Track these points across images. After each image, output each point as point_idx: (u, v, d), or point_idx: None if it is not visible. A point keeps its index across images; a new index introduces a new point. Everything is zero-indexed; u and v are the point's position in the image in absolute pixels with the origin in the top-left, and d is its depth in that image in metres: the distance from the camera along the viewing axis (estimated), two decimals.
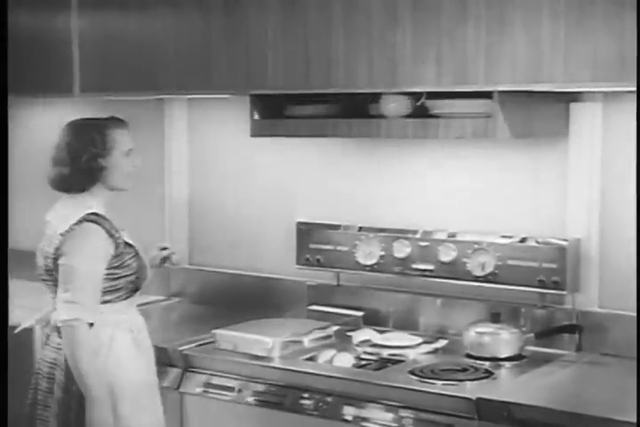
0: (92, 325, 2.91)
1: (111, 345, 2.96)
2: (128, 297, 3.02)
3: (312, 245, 3.73)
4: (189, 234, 4.19)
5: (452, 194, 3.53)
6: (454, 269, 3.43)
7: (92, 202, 3.00)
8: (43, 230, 3.07)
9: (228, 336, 3.34)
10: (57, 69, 3.87)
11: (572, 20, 2.74)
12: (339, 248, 3.67)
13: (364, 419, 2.96)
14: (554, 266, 3.25)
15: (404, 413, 2.90)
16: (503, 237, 3.36)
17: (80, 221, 2.93)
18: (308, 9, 3.19)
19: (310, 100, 3.38)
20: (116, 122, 3.06)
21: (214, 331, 3.37)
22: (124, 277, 2.97)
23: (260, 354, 3.24)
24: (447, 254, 3.44)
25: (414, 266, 3.51)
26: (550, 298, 3.32)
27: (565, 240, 3.25)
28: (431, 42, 2.97)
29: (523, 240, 3.32)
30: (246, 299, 3.94)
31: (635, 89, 2.72)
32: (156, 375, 3.10)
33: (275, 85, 3.29)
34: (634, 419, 2.57)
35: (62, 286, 2.89)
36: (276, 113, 3.43)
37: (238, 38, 3.35)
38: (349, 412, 2.99)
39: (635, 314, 3.12)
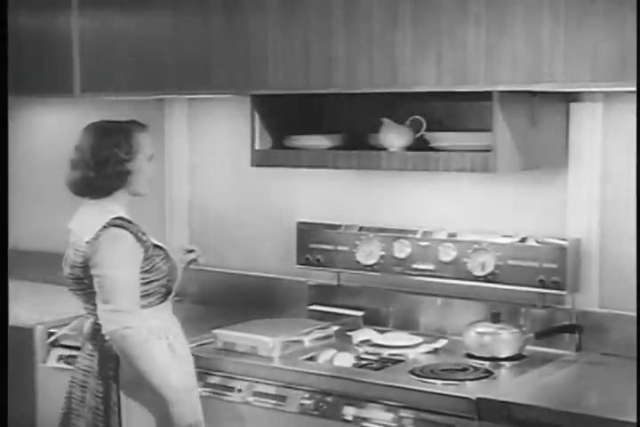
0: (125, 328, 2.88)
1: (144, 350, 2.90)
2: (162, 302, 2.98)
3: (312, 245, 3.73)
4: (189, 234, 4.19)
5: (452, 195, 3.53)
6: (454, 269, 3.43)
7: (115, 207, 2.95)
8: (66, 239, 3.03)
9: (228, 336, 3.34)
10: (57, 69, 3.87)
11: (572, 20, 2.74)
12: (339, 248, 3.67)
13: (364, 419, 2.96)
14: (554, 266, 3.25)
15: (404, 413, 2.90)
16: (503, 236, 3.36)
17: (106, 227, 2.87)
18: (308, 9, 3.19)
19: (311, 131, 3.43)
20: (139, 126, 3.01)
21: (214, 331, 3.37)
22: (155, 280, 2.93)
23: (260, 354, 3.24)
24: (447, 254, 3.44)
25: (414, 266, 3.51)
26: (550, 298, 3.32)
27: (565, 240, 3.25)
28: (431, 42, 2.97)
29: (523, 240, 3.32)
30: (246, 299, 3.94)
31: (635, 89, 2.72)
32: (195, 379, 3.05)
33: (275, 85, 3.29)
34: (634, 419, 2.57)
35: (101, 297, 2.84)
36: (277, 143, 3.45)
37: (238, 38, 3.35)
38: (349, 412, 2.99)
39: (635, 314, 3.13)
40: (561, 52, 2.77)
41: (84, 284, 2.93)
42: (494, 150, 2.95)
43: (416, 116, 3.28)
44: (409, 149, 3.22)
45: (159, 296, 2.97)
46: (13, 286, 3.75)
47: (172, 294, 3.01)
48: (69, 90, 3.85)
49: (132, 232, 2.90)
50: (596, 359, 3.19)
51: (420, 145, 3.23)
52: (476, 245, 3.39)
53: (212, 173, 4.13)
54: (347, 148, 3.38)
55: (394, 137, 3.24)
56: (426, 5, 2.96)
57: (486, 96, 2.96)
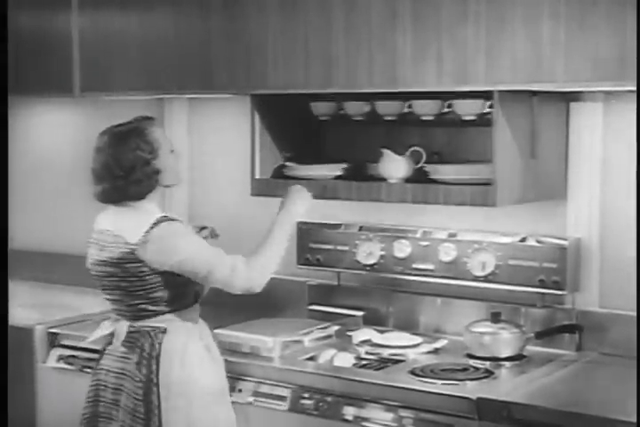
0: (164, 332, 2.91)
1: (185, 353, 2.92)
2: (193, 304, 2.98)
3: (312, 245, 3.73)
4: None
5: None
6: (454, 269, 3.43)
7: (150, 206, 2.94)
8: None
9: (228, 336, 3.34)
10: (57, 69, 3.87)
11: (572, 20, 2.75)
12: (339, 248, 3.67)
13: (365, 419, 2.96)
14: (554, 266, 3.25)
15: (404, 413, 2.90)
16: (503, 236, 3.36)
17: (156, 224, 2.86)
18: (308, 9, 3.19)
19: (311, 159, 3.45)
20: (150, 121, 2.98)
21: (215, 331, 3.36)
22: (190, 282, 2.91)
23: (260, 354, 3.24)
24: (447, 254, 3.44)
25: (414, 266, 3.51)
26: (550, 298, 3.32)
27: (565, 240, 3.25)
28: (431, 41, 2.97)
29: (523, 240, 3.32)
30: (246, 299, 3.92)
31: (635, 89, 2.72)
32: (226, 380, 3.04)
33: (275, 85, 3.29)
34: (634, 419, 2.57)
35: (202, 275, 2.84)
36: (277, 172, 3.45)
37: (238, 38, 3.35)
38: (350, 412, 2.99)
39: (635, 314, 3.13)
40: (561, 51, 2.77)
41: (124, 281, 2.89)
42: (494, 184, 2.96)
43: (416, 148, 3.29)
44: (408, 180, 3.23)
45: (192, 297, 2.97)
46: (13, 286, 3.75)
47: (203, 295, 3.01)
48: (69, 90, 3.85)
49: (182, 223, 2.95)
50: (596, 359, 3.19)
51: (419, 176, 3.25)
52: (476, 245, 3.39)
53: (211, 172, 4.13)
54: (346, 177, 3.38)
55: (393, 168, 3.26)
56: (426, 5, 2.96)
57: (486, 122, 3.01)
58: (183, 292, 2.93)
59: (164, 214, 2.93)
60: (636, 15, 2.64)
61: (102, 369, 2.99)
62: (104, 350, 3.02)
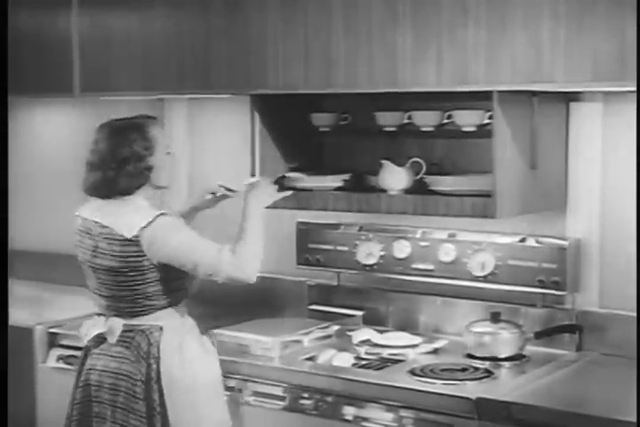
0: (160, 330, 2.92)
1: (182, 349, 2.94)
2: (185, 298, 3.02)
3: (312, 245, 3.73)
4: None
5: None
6: (454, 269, 3.43)
7: (143, 202, 2.95)
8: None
9: (228, 336, 3.34)
10: (57, 69, 3.88)
11: (572, 20, 2.75)
12: (339, 248, 3.67)
13: (364, 419, 2.96)
14: (554, 266, 3.25)
15: (403, 412, 2.90)
16: (503, 236, 3.36)
17: (154, 219, 2.86)
18: (308, 9, 3.19)
19: (310, 170, 3.43)
20: (151, 119, 3.00)
21: (214, 331, 3.37)
22: (187, 277, 2.95)
23: (259, 354, 3.24)
24: (447, 254, 3.44)
25: (414, 266, 3.51)
26: (550, 298, 3.32)
27: (565, 240, 3.25)
28: (431, 42, 2.97)
29: (522, 240, 3.32)
30: (246, 299, 3.93)
31: (635, 89, 2.72)
32: (221, 375, 3.05)
33: (275, 85, 3.29)
34: (634, 419, 2.57)
35: (188, 266, 2.86)
36: (277, 183, 3.44)
37: (238, 38, 3.35)
38: (349, 412, 2.99)
39: (635, 314, 3.13)
40: (561, 51, 2.77)
41: (123, 275, 2.90)
42: (494, 195, 2.96)
43: (416, 159, 3.29)
44: (408, 191, 3.23)
45: (186, 291, 3.00)
46: (13, 286, 3.76)
47: (193, 289, 3.04)
48: (69, 90, 3.85)
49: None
50: (596, 359, 3.19)
51: (419, 187, 3.25)
52: (475, 246, 3.39)
53: (211, 173, 4.13)
54: (347, 189, 3.38)
55: (393, 180, 3.26)
56: (426, 5, 2.96)
57: (486, 133, 3.01)
58: (179, 285, 2.95)
59: (161, 211, 2.91)
60: (635, 15, 2.64)
61: (93, 369, 2.97)
62: (88, 349, 3.01)
